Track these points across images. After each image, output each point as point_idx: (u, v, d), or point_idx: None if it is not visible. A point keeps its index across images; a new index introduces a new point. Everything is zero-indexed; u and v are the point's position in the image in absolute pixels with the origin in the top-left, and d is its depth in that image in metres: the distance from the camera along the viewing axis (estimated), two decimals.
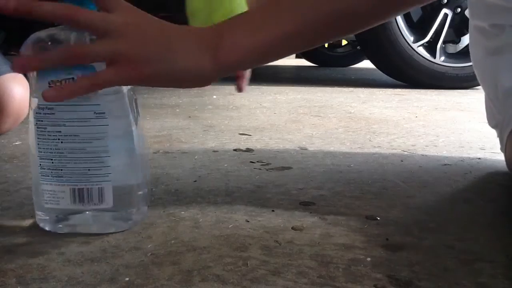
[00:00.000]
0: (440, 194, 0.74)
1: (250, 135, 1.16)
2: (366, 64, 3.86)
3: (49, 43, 0.52)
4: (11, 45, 5.15)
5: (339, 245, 0.54)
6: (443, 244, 0.55)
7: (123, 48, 0.50)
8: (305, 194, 0.72)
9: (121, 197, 0.56)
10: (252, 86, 2.29)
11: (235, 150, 1.01)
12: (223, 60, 0.54)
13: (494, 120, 0.84)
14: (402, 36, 2.28)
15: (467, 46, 2.47)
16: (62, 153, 0.54)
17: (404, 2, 0.59)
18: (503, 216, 0.67)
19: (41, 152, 0.54)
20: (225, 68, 0.55)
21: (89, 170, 0.54)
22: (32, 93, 0.54)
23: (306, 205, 0.68)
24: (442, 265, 0.50)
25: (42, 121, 0.53)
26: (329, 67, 3.91)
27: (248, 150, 1.01)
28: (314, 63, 4.12)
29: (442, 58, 2.34)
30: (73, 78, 0.51)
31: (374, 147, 1.05)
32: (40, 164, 0.55)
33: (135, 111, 0.57)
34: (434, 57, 2.32)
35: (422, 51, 2.31)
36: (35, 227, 0.59)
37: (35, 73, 0.53)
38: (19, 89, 1.09)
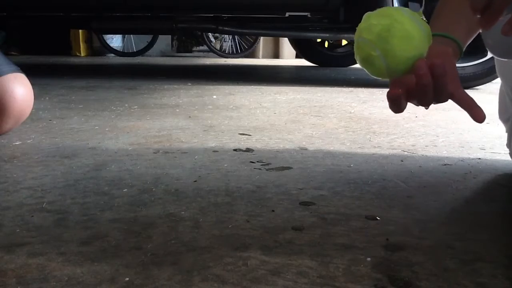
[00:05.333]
0: (440, 194, 0.74)
1: (250, 135, 1.16)
2: None
3: None
4: (11, 45, 5.15)
5: (339, 245, 0.54)
6: (443, 244, 0.55)
7: None
8: (305, 194, 0.72)
9: None
10: (252, 86, 2.29)
11: (235, 150, 1.01)
12: None
13: (507, 113, 0.85)
14: None
15: (467, 46, 2.47)
16: None
17: None
18: (503, 216, 0.67)
19: None
20: None
21: None
22: None
23: (306, 205, 0.68)
24: (442, 265, 0.50)
25: None
26: (329, 67, 3.91)
27: (248, 150, 1.01)
28: (314, 63, 4.12)
29: None
30: None
31: (374, 147, 1.05)
32: None
33: None
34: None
35: None
36: (35, 227, 0.59)
37: None
38: (20, 90, 1.08)
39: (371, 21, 0.51)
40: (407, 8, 0.52)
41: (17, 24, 3.02)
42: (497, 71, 0.87)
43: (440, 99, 0.55)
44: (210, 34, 5.37)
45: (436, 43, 0.60)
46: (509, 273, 0.48)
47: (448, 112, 1.57)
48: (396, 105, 0.55)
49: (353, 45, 0.54)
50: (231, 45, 5.71)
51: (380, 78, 0.55)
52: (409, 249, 0.53)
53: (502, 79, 0.86)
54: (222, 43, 5.77)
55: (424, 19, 0.52)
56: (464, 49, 0.66)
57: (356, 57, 0.54)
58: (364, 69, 0.55)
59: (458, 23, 0.67)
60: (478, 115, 0.55)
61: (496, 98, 0.91)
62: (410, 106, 0.58)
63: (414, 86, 0.53)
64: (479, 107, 0.55)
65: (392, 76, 0.53)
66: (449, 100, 0.57)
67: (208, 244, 0.54)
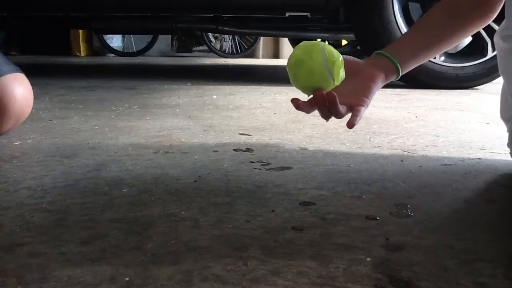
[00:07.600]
0: (440, 194, 0.74)
1: (250, 135, 1.16)
2: None
3: None
4: (11, 45, 5.15)
5: (339, 245, 0.54)
6: (443, 244, 0.55)
7: None
8: (305, 194, 0.72)
9: None
10: (252, 86, 2.29)
11: (235, 150, 1.01)
12: None
13: (509, 113, 0.85)
14: None
15: (467, 46, 2.47)
16: None
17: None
18: (503, 216, 0.67)
19: None
20: None
21: None
22: None
23: (306, 205, 0.68)
24: (442, 265, 0.50)
25: None
26: None
27: (248, 150, 1.01)
28: None
29: (442, 58, 2.34)
30: None
31: (374, 147, 1.05)
32: None
33: None
34: (434, 57, 2.32)
35: None
36: (35, 227, 0.59)
37: None
38: (20, 90, 1.08)
39: (296, 50, 0.68)
40: (329, 46, 0.67)
41: (17, 24, 3.02)
42: (499, 70, 0.87)
43: (337, 117, 0.77)
44: (210, 34, 5.37)
45: (371, 66, 0.78)
46: (509, 273, 0.48)
47: (448, 112, 1.57)
48: (301, 110, 0.75)
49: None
50: (231, 45, 5.71)
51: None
52: (409, 249, 0.53)
53: (504, 78, 0.86)
54: (222, 43, 5.77)
55: (340, 58, 0.67)
56: (403, 72, 0.81)
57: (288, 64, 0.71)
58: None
59: (409, 47, 0.84)
60: (351, 122, 0.75)
61: (496, 99, 0.91)
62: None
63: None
64: (357, 118, 0.75)
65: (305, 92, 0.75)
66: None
67: (208, 244, 0.54)
